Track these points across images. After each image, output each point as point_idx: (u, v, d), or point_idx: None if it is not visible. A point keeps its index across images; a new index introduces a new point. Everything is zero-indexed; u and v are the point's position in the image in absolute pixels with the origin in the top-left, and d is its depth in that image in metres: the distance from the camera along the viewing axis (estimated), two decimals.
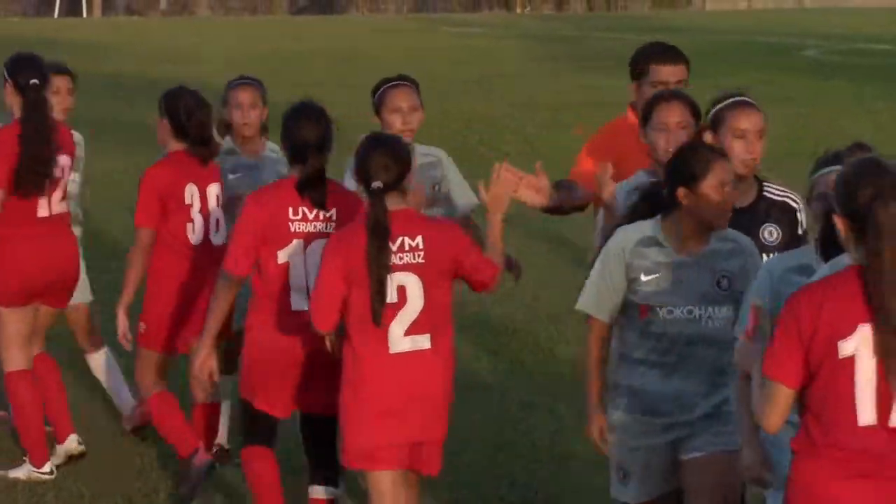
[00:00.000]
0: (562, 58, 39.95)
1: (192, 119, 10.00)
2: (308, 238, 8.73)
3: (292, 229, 8.77)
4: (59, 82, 10.91)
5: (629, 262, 7.28)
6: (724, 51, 41.06)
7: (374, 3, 69.00)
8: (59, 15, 62.24)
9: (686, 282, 7.27)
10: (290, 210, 8.73)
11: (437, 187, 9.27)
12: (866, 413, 5.63)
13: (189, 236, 9.89)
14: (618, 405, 7.40)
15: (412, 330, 8.23)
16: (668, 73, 9.12)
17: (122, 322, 9.90)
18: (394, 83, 9.41)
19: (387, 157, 8.60)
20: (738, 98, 7.90)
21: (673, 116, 8.05)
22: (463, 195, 9.47)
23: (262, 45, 41.14)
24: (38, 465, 10.18)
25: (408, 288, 8.20)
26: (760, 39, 47.69)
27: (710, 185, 7.13)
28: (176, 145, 10.04)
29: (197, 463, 9.51)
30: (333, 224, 8.76)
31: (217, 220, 9.98)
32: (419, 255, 8.32)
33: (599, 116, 9.33)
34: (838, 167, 6.41)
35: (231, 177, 10.37)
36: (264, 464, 9.06)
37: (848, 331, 5.55)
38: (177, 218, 9.87)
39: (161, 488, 9.92)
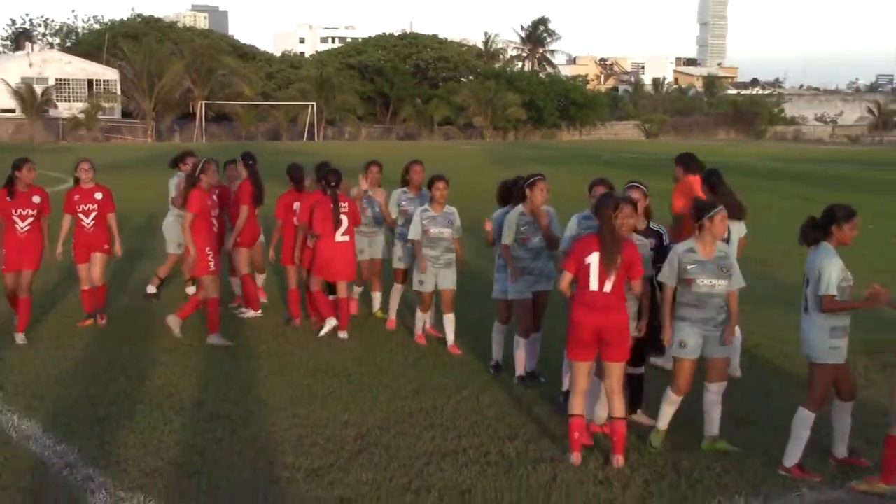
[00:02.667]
0: (502, 158, 38.45)
1: (294, 173, 9.87)
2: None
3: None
4: (417, 166, 9.49)
5: None
6: (570, 156, 40.72)
7: (429, 136, 64.34)
8: (306, 139, 59.62)
9: None
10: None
11: (550, 226, 7.82)
12: (594, 286, 6.20)
13: (295, 221, 9.62)
14: None
15: (343, 234, 9.23)
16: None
17: (271, 251, 10.16)
18: (539, 177, 7.85)
19: (334, 173, 9.35)
20: (632, 183, 7.17)
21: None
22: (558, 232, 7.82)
23: (383, 154, 42.60)
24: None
25: (343, 220, 9.18)
26: (583, 151, 46.10)
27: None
28: (292, 185, 9.80)
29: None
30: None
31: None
32: (346, 209, 9.22)
33: None
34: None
35: (404, 202, 9.50)
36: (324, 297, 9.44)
37: (589, 253, 6.18)
38: (290, 215, 9.71)
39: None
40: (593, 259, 6.14)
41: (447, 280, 8.87)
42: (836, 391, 6.21)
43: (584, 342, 6.22)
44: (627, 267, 6.18)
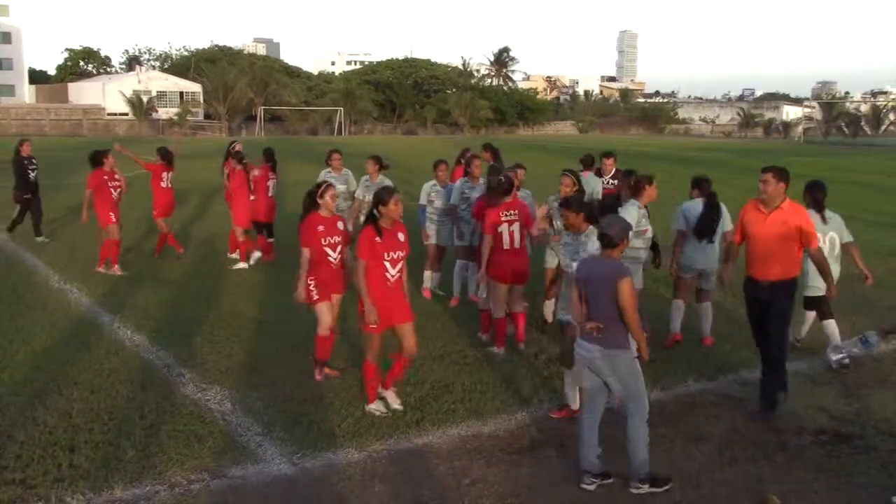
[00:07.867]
0: (477, 147, 36.91)
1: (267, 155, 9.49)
2: None
3: None
4: (477, 160, 7.77)
5: None
6: (532, 147, 39.64)
7: (425, 132, 63.82)
8: (336, 135, 56.25)
9: None
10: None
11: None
12: (506, 243, 6.09)
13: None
14: None
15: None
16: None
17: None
18: (519, 166, 7.14)
19: (268, 155, 9.20)
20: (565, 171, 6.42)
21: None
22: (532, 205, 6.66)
23: (390, 145, 37.79)
24: None
25: (270, 186, 8.94)
26: (534, 143, 44.54)
27: None
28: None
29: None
30: None
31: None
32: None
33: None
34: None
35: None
36: None
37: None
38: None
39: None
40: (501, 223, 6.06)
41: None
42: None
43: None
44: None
